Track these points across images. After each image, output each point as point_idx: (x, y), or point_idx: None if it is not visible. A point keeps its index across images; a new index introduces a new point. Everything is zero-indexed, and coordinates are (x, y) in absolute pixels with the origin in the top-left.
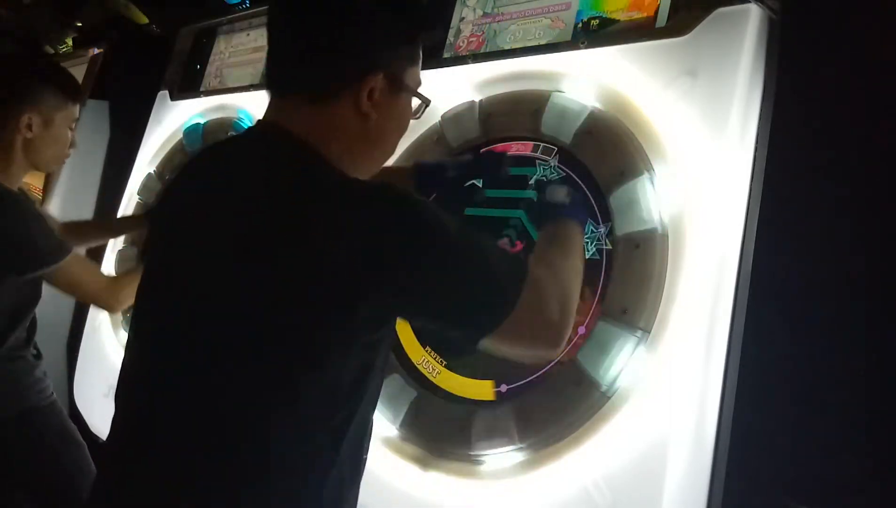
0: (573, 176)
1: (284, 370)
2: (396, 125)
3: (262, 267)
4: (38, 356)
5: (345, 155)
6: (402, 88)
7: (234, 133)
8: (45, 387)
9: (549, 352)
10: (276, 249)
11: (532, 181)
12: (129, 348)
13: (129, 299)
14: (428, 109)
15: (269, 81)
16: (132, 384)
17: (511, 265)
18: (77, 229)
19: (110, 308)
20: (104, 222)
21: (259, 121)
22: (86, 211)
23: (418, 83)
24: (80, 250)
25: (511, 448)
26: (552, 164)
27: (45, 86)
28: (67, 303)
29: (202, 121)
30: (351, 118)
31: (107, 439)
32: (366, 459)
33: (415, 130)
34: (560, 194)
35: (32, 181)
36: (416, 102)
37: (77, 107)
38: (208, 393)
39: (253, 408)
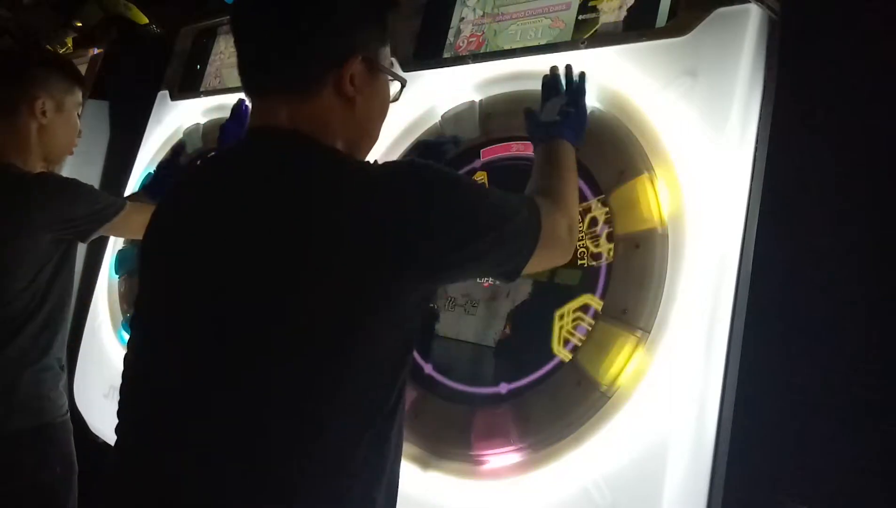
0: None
1: (336, 357)
2: (379, 108)
3: (301, 263)
4: (63, 368)
5: (337, 144)
6: (379, 68)
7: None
8: (64, 402)
9: (565, 261)
10: (310, 241)
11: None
12: (144, 358)
13: None
14: (427, 109)
15: (249, 84)
16: (157, 395)
17: (524, 204)
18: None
19: None
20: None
21: (249, 129)
22: None
23: (391, 63)
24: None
25: (511, 448)
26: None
27: (53, 71)
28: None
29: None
30: (336, 106)
31: (120, 453)
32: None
33: (415, 130)
34: (551, 113)
35: None
36: (394, 85)
37: (80, 92)
38: (254, 397)
39: (308, 406)
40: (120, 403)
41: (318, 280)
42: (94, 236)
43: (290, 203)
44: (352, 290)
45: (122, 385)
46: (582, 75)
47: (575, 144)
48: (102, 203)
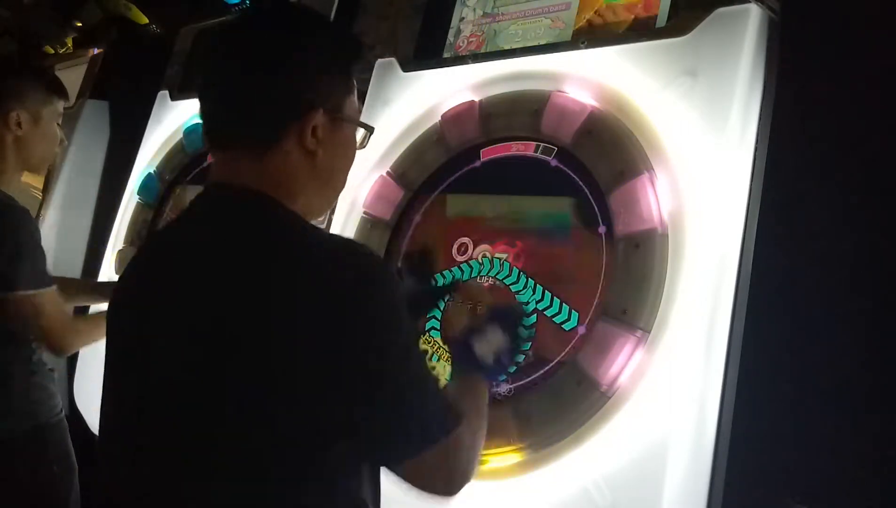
0: (573, 176)
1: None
2: (343, 159)
3: (236, 350)
4: (50, 369)
5: (299, 197)
6: (343, 119)
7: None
8: (57, 403)
9: (439, 500)
10: (247, 328)
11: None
12: (109, 441)
13: (80, 345)
14: (427, 109)
15: (210, 138)
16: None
17: (447, 407)
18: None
19: (60, 350)
20: (90, 283)
21: (207, 184)
22: (86, 211)
23: (357, 111)
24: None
25: (511, 448)
26: (552, 165)
27: (28, 82)
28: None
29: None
30: (298, 159)
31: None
32: None
33: (415, 131)
34: (489, 351)
35: (32, 181)
36: (360, 131)
37: (61, 102)
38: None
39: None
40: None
41: (256, 362)
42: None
43: (237, 277)
44: (289, 380)
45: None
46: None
47: (488, 390)
48: (32, 269)
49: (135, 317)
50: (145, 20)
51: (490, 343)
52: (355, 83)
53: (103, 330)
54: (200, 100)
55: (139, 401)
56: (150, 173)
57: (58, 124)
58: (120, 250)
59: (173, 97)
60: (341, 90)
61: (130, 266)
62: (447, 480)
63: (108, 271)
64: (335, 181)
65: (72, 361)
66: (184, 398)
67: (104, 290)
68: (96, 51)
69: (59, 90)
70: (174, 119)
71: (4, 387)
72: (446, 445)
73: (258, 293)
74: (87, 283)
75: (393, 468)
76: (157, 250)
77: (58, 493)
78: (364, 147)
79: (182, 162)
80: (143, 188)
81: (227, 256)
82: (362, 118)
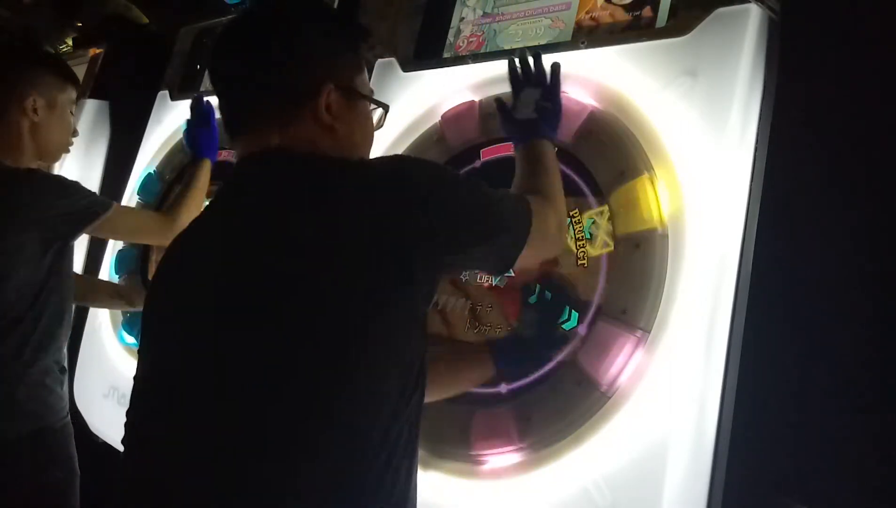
0: (573, 176)
1: (362, 362)
2: (362, 134)
3: (317, 272)
4: (63, 370)
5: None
6: (357, 95)
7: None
8: (64, 406)
9: (556, 254)
10: (315, 249)
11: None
12: (154, 372)
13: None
14: (427, 109)
15: (231, 126)
16: (165, 407)
17: (514, 200)
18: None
19: (171, 233)
20: (115, 286)
21: (242, 157)
22: None
23: (370, 90)
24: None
25: (511, 447)
26: None
27: (44, 68)
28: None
29: None
30: (319, 135)
31: (131, 472)
32: None
33: (415, 130)
34: (527, 109)
35: None
36: (377, 112)
37: (75, 91)
38: (282, 406)
39: (336, 410)
40: (129, 414)
41: (329, 283)
42: (79, 236)
43: (292, 216)
44: (361, 291)
45: (132, 397)
46: (555, 67)
47: (552, 140)
48: (88, 200)
49: (193, 281)
50: (145, 20)
51: (525, 104)
52: (363, 64)
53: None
54: (218, 96)
55: (204, 356)
56: (150, 173)
57: (71, 112)
58: (120, 251)
59: (173, 97)
60: (351, 67)
61: (178, 241)
62: (553, 242)
63: (108, 272)
64: (359, 154)
65: (72, 361)
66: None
67: (128, 293)
68: (96, 51)
69: (72, 78)
70: (174, 119)
71: (13, 387)
72: (535, 226)
73: (324, 217)
74: (110, 285)
75: (512, 267)
76: (205, 221)
77: (59, 498)
78: (381, 126)
79: (182, 162)
80: (143, 188)
81: (283, 197)
82: None
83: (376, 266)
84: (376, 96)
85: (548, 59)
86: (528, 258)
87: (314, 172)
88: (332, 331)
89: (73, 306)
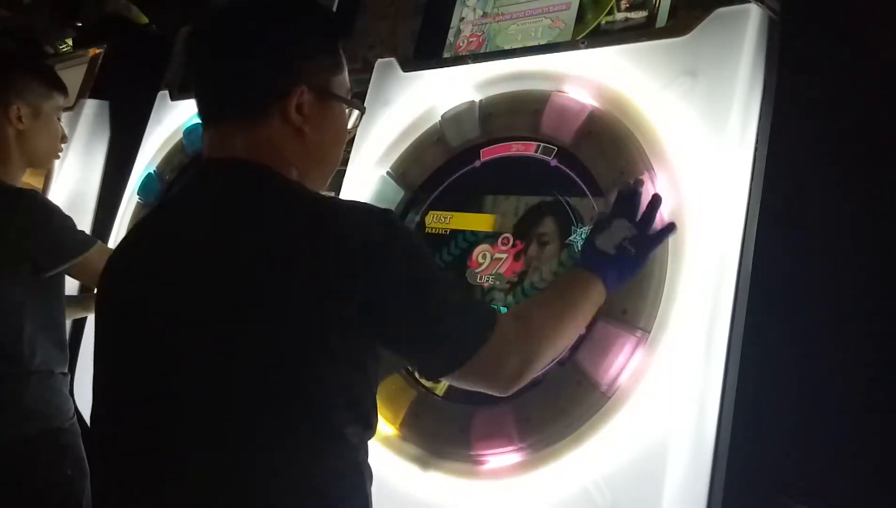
0: (573, 176)
1: (295, 399)
2: (333, 137)
3: (258, 299)
4: (65, 374)
5: (292, 169)
6: (331, 97)
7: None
8: (71, 407)
9: (499, 394)
10: (263, 276)
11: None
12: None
13: None
14: (427, 109)
15: (202, 113)
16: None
17: (481, 314)
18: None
19: None
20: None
21: (202, 159)
22: (86, 211)
23: (348, 90)
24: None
25: (511, 448)
26: (552, 165)
27: (28, 76)
28: None
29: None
30: (287, 136)
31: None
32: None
33: (415, 130)
34: (610, 242)
35: (32, 181)
36: (354, 114)
37: (61, 98)
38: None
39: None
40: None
41: (271, 314)
42: (52, 272)
43: (244, 238)
44: (295, 331)
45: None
46: (655, 200)
47: (609, 290)
48: (75, 238)
49: (135, 288)
50: (145, 20)
51: (612, 236)
52: (344, 62)
53: None
54: (191, 74)
55: (149, 364)
56: (150, 173)
57: (58, 119)
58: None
59: (173, 97)
60: (328, 68)
61: (123, 243)
62: (497, 380)
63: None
64: (328, 158)
65: (72, 361)
66: (202, 353)
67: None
68: (96, 51)
69: (58, 85)
70: (174, 119)
71: (22, 390)
72: (487, 350)
73: (271, 248)
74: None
75: (449, 378)
76: (153, 223)
77: (72, 496)
78: (355, 128)
79: (182, 162)
80: (143, 188)
81: (234, 218)
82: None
83: (316, 317)
84: (375, 96)
85: (549, 60)
86: (465, 383)
87: (275, 200)
88: (267, 365)
89: (64, 319)
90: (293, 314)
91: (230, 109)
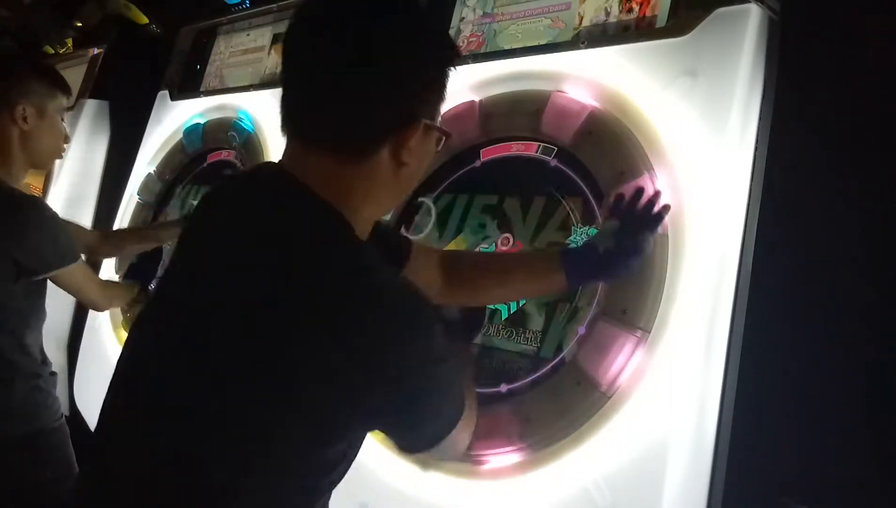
0: (573, 176)
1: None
2: (424, 165)
3: (263, 332)
4: (53, 373)
5: (369, 202)
6: (436, 128)
7: (243, 168)
8: (58, 408)
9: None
10: (280, 315)
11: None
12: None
13: (117, 303)
14: None
15: (294, 126)
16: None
17: (459, 405)
18: (115, 237)
19: (100, 309)
20: (141, 229)
21: (278, 166)
22: (86, 211)
23: (440, 118)
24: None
25: (511, 448)
26: (552, 165)
27: (32, 76)
28: (68, 302)
29: (202, 121)
30: (385, 169)
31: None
32: None
33: None
34: (607, 239)
35: (33, 182)
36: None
37: (65, 97)
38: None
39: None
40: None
41: (275, 358)
42: (35, 279)
43: (279, 283)
44: (292, 395)
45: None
46: (661, 209)
47: (570, 285)
48: (57, 251)
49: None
50: (145, 20)
51: (605, 235)
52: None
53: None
54: (286, 86)
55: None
56: (150, 173)
57: (62, 119)
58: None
59: (173, 97)
60: (439, 98)
61: (198, 214)
62: (457, 453)
63: (108, 271)
64: (409, 185)
65: (72, 361)
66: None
67: (159, 234)
68: (96, 51)
69: (62, 85)
70: (174, 119)
71: (6, 390)
72: (454, 435)
73: (296, 292)
74: (137, 231)
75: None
76: (221, 206)
77: (56, 496)
78: (439, 151)
79: (182, 162)
80: (143, 188)
81: (273, 249)
82: None
83: (315, 396)
84: None
85: (549, 60)
86: (431, 455)
87: (328, 252)
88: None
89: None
90: (290, 378)
91: (337, 140)
